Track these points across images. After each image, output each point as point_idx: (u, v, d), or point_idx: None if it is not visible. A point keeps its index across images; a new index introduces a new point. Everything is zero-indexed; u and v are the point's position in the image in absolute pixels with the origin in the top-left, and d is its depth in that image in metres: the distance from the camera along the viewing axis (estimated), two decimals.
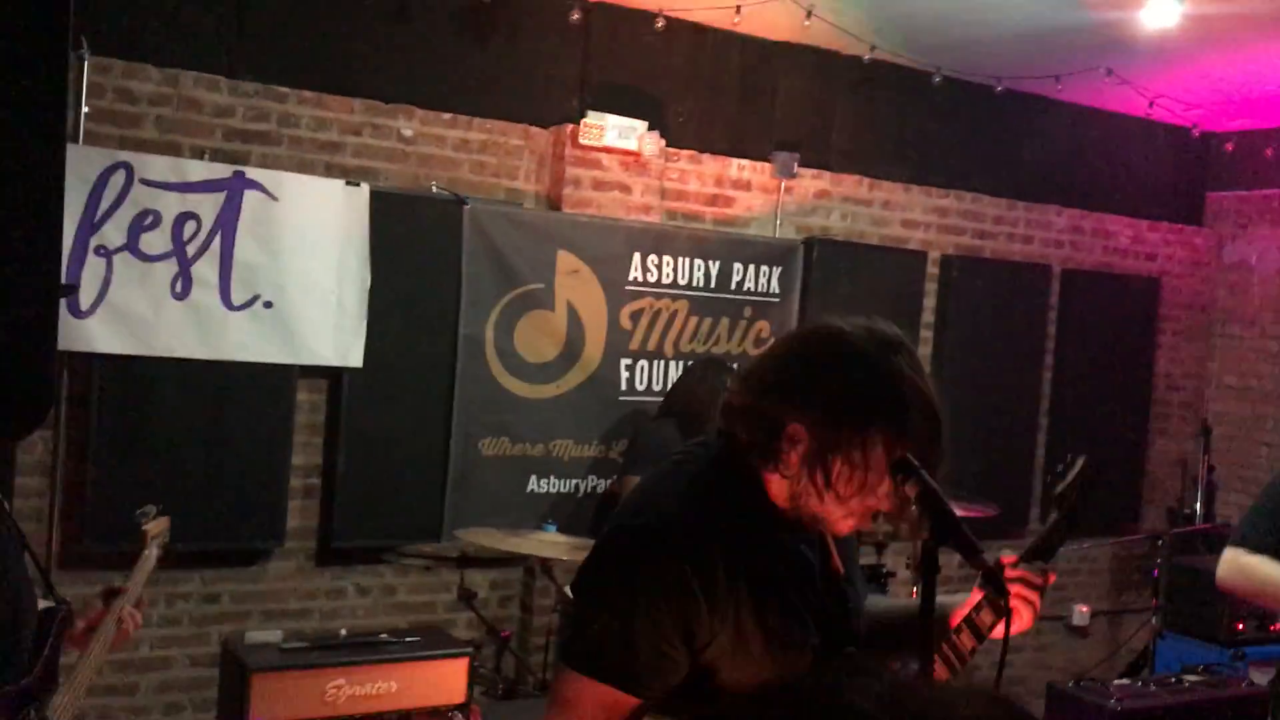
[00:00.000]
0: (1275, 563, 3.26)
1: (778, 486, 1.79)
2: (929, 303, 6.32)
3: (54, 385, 1.03)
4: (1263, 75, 5.70)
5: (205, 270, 4.48)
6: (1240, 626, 4.78)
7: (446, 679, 3.06)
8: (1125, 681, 4.22)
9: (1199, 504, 7.05)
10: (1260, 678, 4.62)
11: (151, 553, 2.69)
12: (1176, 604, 5.20)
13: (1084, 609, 7.05)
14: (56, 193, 1.02)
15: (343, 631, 3.08)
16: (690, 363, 5.30)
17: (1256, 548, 3.30)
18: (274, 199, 4.59)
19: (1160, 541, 5.68)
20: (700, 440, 1.95)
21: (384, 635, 3.06)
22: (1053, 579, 2.01)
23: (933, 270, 6.32)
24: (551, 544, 4.02)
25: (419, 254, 4.91)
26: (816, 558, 1.88)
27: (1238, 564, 3.34)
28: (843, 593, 1.91)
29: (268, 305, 4.62)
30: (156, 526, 2.77)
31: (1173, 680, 4.27)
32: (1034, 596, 1.95)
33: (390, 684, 2.93)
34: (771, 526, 1.81)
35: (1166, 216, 7.19)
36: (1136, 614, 7.19)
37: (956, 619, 1.97)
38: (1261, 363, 7.17)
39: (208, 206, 4.46)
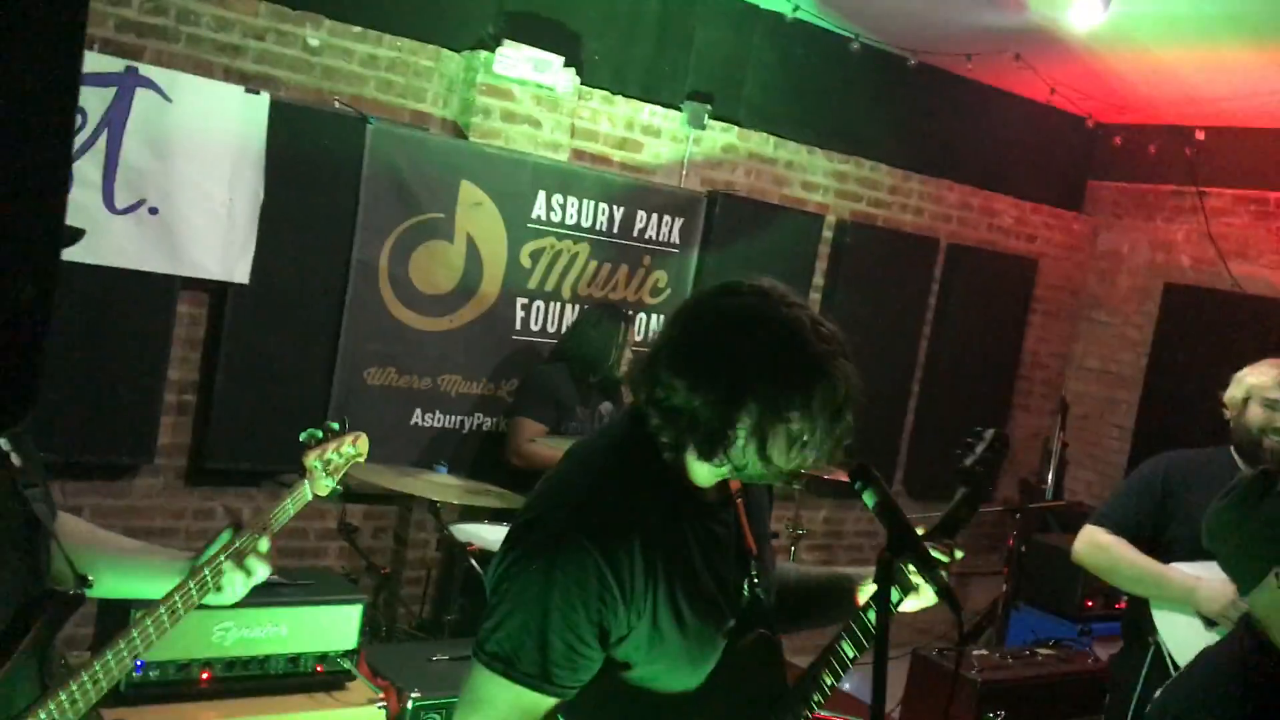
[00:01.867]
0: (1129, 546, 3.44)
1: (700, 468, 1.76)
2: (820, 265, 6.39)
3: (41, 371, 0.93)
4: (1161, 76, 5.88)
5: (88, 169, 4.20)
6: (1089, 603, 5.03)
7: (338, 624, 2.97)
8: (984, 652, 4.39)
9: (1050, 477, 7.38)
10: (1103, 652, 4.89)
11: (307, 487, 2.23)
12: (1029, 577, 5.43)
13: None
14: (64, 158, 0.91)
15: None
16: (586, 307, 5.24)
17: (1115, 528, 3.48)
18: (167, 100, 4.32)
19: (1017, 515, 5.91)
20: (621, 418, 1.88)
21: (275, 577, 2.96)
22: (960, 555, 1.99)
23: (827, 234, 6.38)
24: (442, 486, 3.95)
25: (317, 171, 4.71)
26: (731, 536, 1.86)
27: (1095, 541, 3.52)
28: (756, 572, 1.89)
29: (153, 211, 4.38)
30: (333, 451, 2.29)
31: (1026, 653, 4.47)
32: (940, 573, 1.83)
33: (280, 628, 2.84)
34: (687, 511, 1.78)
35: (1049, 200, 7.41)
36: (983, 577, 7.52)
37: (863, 596, 2.00)
38: (1122, 349, 7.50)
39: (95, 101, 4.17)
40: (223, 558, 2.02)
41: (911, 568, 1.83)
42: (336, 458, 2.27)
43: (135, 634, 1.90)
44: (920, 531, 1.89)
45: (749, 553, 1.89)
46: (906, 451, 7.03)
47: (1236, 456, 3.47)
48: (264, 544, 2.08)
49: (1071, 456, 7.51)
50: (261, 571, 2.06)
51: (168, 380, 4.59)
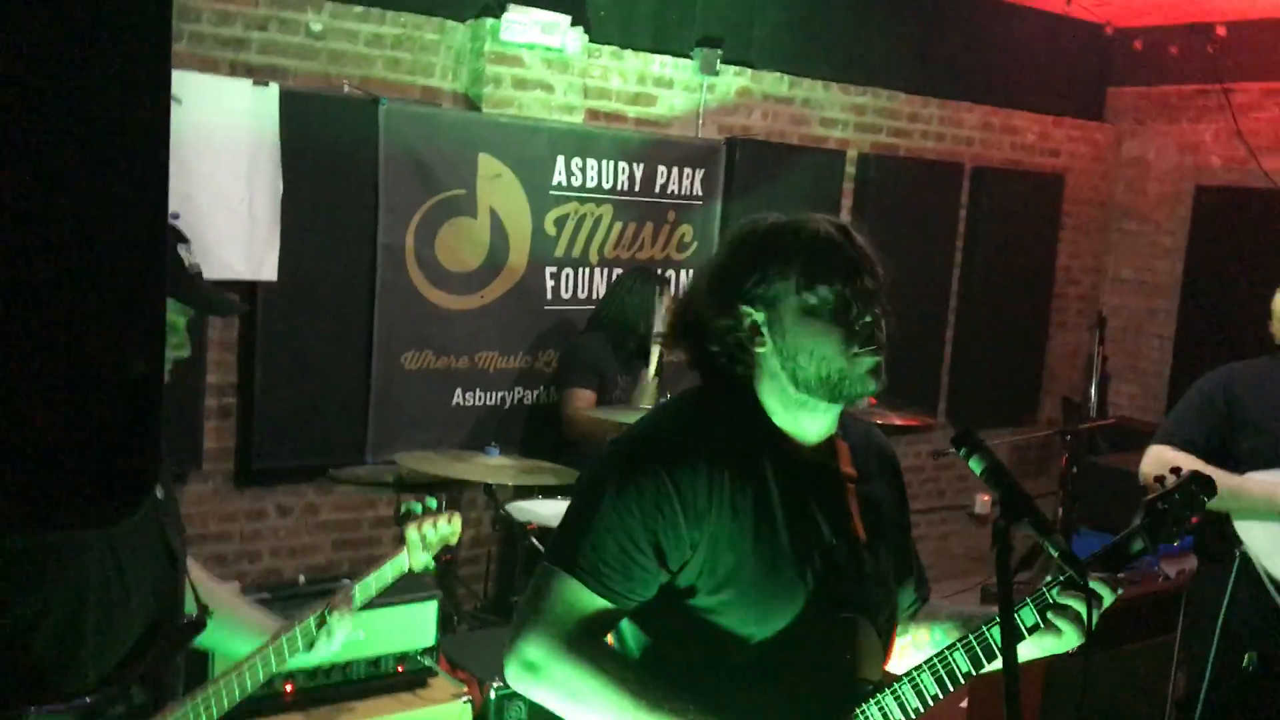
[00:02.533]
0: (1200, 461, 3.32)
1: (773, 397, 1.81)
2: (845, 202, 6.28)
3: (159, 453, 0.87)
4: None
5: None
6: None
7: (414, 622, 2.94)
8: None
9: (1093, 393, 7.30)
10: (1171, 569, 4.84)
11: (405, 558, 2.28)
12: (1085, 499, 5.37)
13: (985, 498, 7.28)
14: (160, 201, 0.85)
15: (301, 579, 2.94)
16: (619, 272, 5.16)
17: (1183, 446, 3.39)
18: (176, 101, 4.23)
19: (1067, 437, 5.85)
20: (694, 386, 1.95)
21: (345, 581, 2.93)
22: (1120, 593, 1.86)
23: (850, 170, 6.27)
24: (497, 468, 3.90)
25: (333, 158, 4.63)
26: (832, 508, 1.83)
27: (1165, 460, 3.34)
28: (859, 556, 1.83)
29: (174, 217, 4.31)
30: (430, 527, 2.30)
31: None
32: (1083, 611, 1.78)
33: (358, 632, 2.81)
34: (773, 453, 1.79)
35: (1070, 112, 7.26)
36: (1035, 499, 7.46)
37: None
38: (1155, 258, 7.38)
39: None
40: (312, 625, 2.15)
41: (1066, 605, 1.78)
42: (432, 534, 2.32)
43: (210, 692, 1.98)
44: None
45: (856, 537, 1.83)
46: (947, 381, 6.96)
47: None
48: (350, 610, 2.22)
49: (1113, 370, 7.44)
50: (342, 635, 2.19)
51: (207, 384, 4.55)
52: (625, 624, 1.81)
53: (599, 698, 1.65)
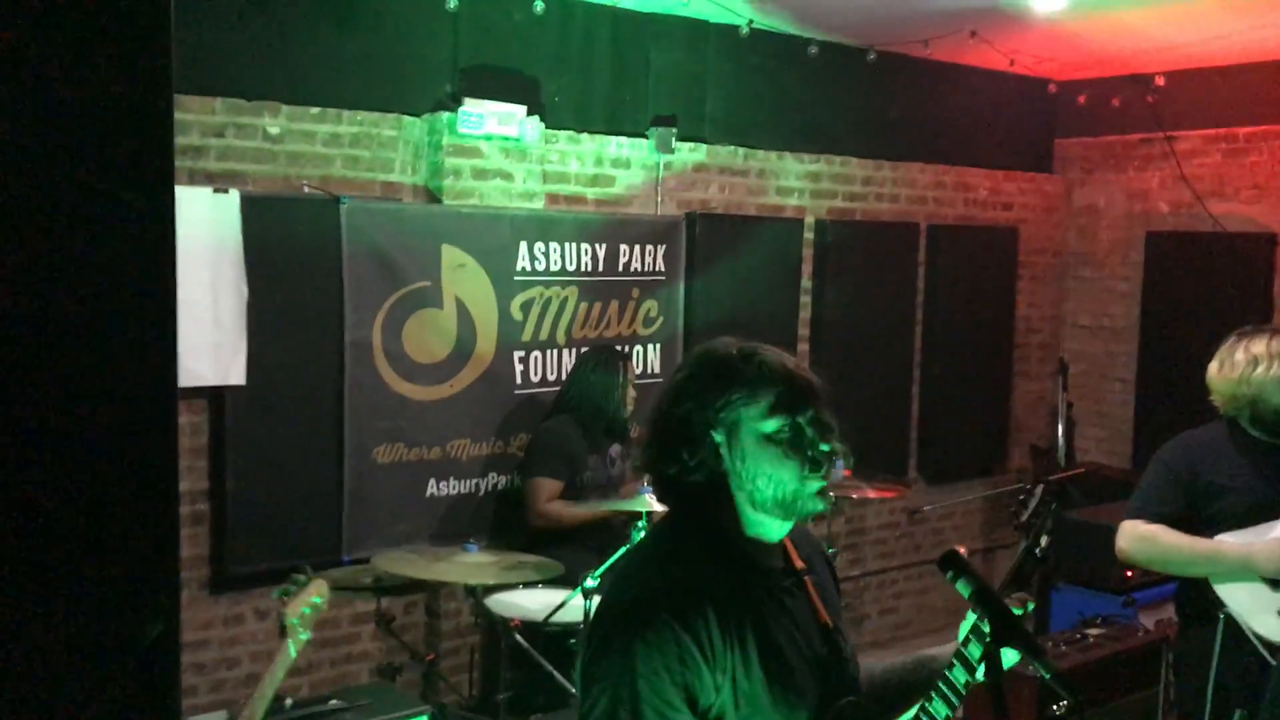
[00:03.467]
0: (1173, 531, 3.41)
1: (734, 518, 1.90)
2: (806, 267, 6.36)
3: (179, 708, 0.88)
4: (1118, 33, 5.87)
5: None
6: (1129, 574, 5.01)
7: None
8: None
9: (1060, 440, 7.38)
10: (1149, 620, 4.88)
11: (291, 647, 2.32)
12: (1062, 555, 5.41)
13: (961, 549, 7.29)
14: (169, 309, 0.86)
15: (288, 702, 2.91)
16: (583, 352, 5.19)
17: (1154, 518, 3.45)
18: None
19: (1039, 488, 5.90)
20: (666, 517, 2.04)
21: (334, 702, 2.90)
22: (1031, 607, 2.02)
23: (808, 235, 6.35)
24: (477, 567, 3.88)
25: (296, 259, 4.64)
26: (803, 609, 1.95)
27: (1138, 534, 3.46)
28: (835, 643, 1.96)
29: None
30: (304, 604, 2.38)
31: (1078, 636, 4.45)
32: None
33: None
34: (753, 580, 1.90)
35: (1021, 166, 7.41)
36: (1007, 548, 7.52)
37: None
38: (1112, 302, 7.50)
39: None
40: None
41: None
42: (308, 610, 2.34)
43: None
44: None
45: (825, 625, 1.96)
46: (916, 438, 7.02)
47: (1251, 427, 3.46)
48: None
49: (1078, 415, 7.54)
50: None
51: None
52: None
53: None
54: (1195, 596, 3.48)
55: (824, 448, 1.86)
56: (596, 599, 3.91)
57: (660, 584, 1.85)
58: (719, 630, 1.79)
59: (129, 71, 0.80)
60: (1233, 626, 3.34)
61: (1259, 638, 3.29)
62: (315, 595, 2.36)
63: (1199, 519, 3.44)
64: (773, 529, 1.92)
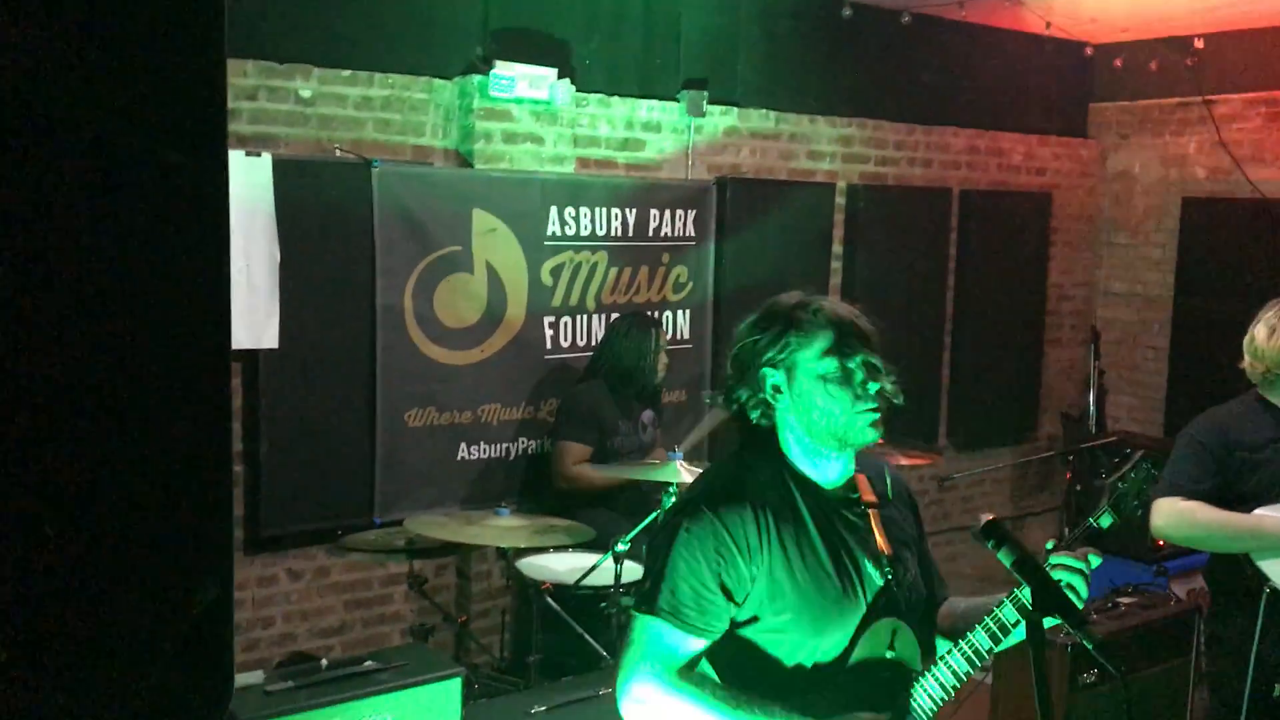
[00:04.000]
0: (1211, 507, 3.34)
1: (795, 446, 2.14)
2: (837, 233, 6.31)
3: (232, 670, 0.88)
4: None
5: None
6: (1160, 543, 4.98)
7: (440, 700, 2.94)
8: None
9: (1091, 407, 7.34)
10: (1181, 590, 4.86)
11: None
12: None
13: (988, 515, 7.29)
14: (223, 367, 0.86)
15: (323, 662, 2.94)
16: (614, 319, 5.18)
17: (1190, 495, 3.37)
18: None
19: (1070, 458, 5.88)
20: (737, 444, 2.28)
21: (369, 663, 2.93)
22: (1097, 563, 2.16)
23: (840, 201, 6.30)
24: (509, 530, 3.91)
25: (328, 223, 4.65)
26: (862, 533, 2.14)
27: (1176, 511, 3.38)
28: (887, 568, 2.13)
29: None
30: None
31: (1109, 606, 4.43)
32: (1076, 581, 2.10)
33: (384, 715, 2.82)
34: (806, 499, 2.12)
35: (1055, 131, 7.31)
36: (1037, 516, 7.50)
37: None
38: (1145, 270, 7.42)
39: None
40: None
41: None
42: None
43: None
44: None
45: (881, 552, 2.13)
46: (946, 405, 6.99)
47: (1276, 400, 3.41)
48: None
49: (1109, 384, 7.48)
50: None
51: None
52: (712, 650, 2.07)
53: (702, 714, 1.95)
54: (1233, 572, 3.41)
55: (873, 387, 2.07)
56: (627, 563, 3.94)
57: (710, 487, 2.13)
58: (755, 530, 2.04)
59: (182, 33, 0.80)
60: (1276, 601, 3.28)
61: None
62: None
63: (1233, 494, 3.37)
64: (830, 457, 2.13)
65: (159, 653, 0.85)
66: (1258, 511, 3.31)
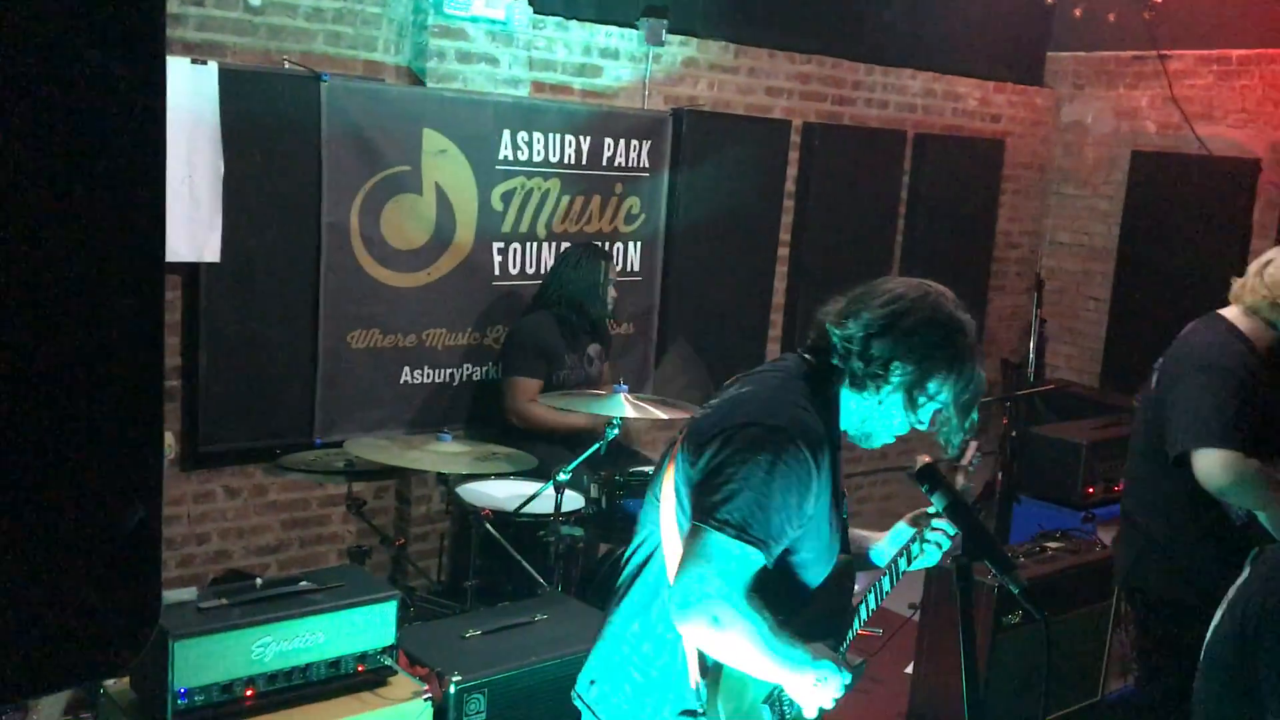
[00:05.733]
0: (1266, 478, 3.11)
1: (850, 407, 2.22)
2: (791, 171, 6.29)
3: (159, 595, 0.87)
4: None
5: None
6: (1090, 490, 5.10)
7: (374, 622, 2.95)
8: None
9: (1031, 355, 7.43)
10: (1106, 537, 4.98)
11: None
12: (1026, 467, 5.49)
13: (925, 458, 7.39)
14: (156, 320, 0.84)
15: (258, 581, 2.92)
16: (564, 249, 5.14)
17: (1242, 445, 3.09)
18: None
19: (1007, 403, 5.96)
20: (788, 357, 2.35)
21: (304, 583, 2.92)
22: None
23: (795, 138, 6.27)
24: (450, 456, 3.90)
25: (275, 136, 4.55)
26: (837, 477, 2.26)
27: (1245, 471, 3.09)
28: (842, 508, 2.30)
29: None
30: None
31: (1037, 549, 4.54)
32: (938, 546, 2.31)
33: (318, 634, 2.82)
34: (831, 440, 2.19)
35: (1011, 78, 7.31)
36: None
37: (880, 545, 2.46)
38: (1092, 221, 7.50)
39: None
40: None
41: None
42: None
43: None
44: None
45: (842, 492, 2.31)
46: None
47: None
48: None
49: (1050, 332, 7.57)
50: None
51: None
52: None
53: (758, 641, 1.99)
54: (1222, 516, 3.24)
55: (954, 439, 2.19)
56: (567, 492, 3.95)
57: (800, 419, 2.12)
58: (821, 468, 2.10)
59: None
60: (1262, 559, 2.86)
61: None
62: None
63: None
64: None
65: (86, 571, 0.84)
66: None
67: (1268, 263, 3.32)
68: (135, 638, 0.85)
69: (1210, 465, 3.12)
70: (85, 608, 0.82)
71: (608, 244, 5.43)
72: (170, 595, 2.76)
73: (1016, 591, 1.68)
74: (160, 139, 0.74)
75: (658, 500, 2.21)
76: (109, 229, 0.75)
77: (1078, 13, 6.79)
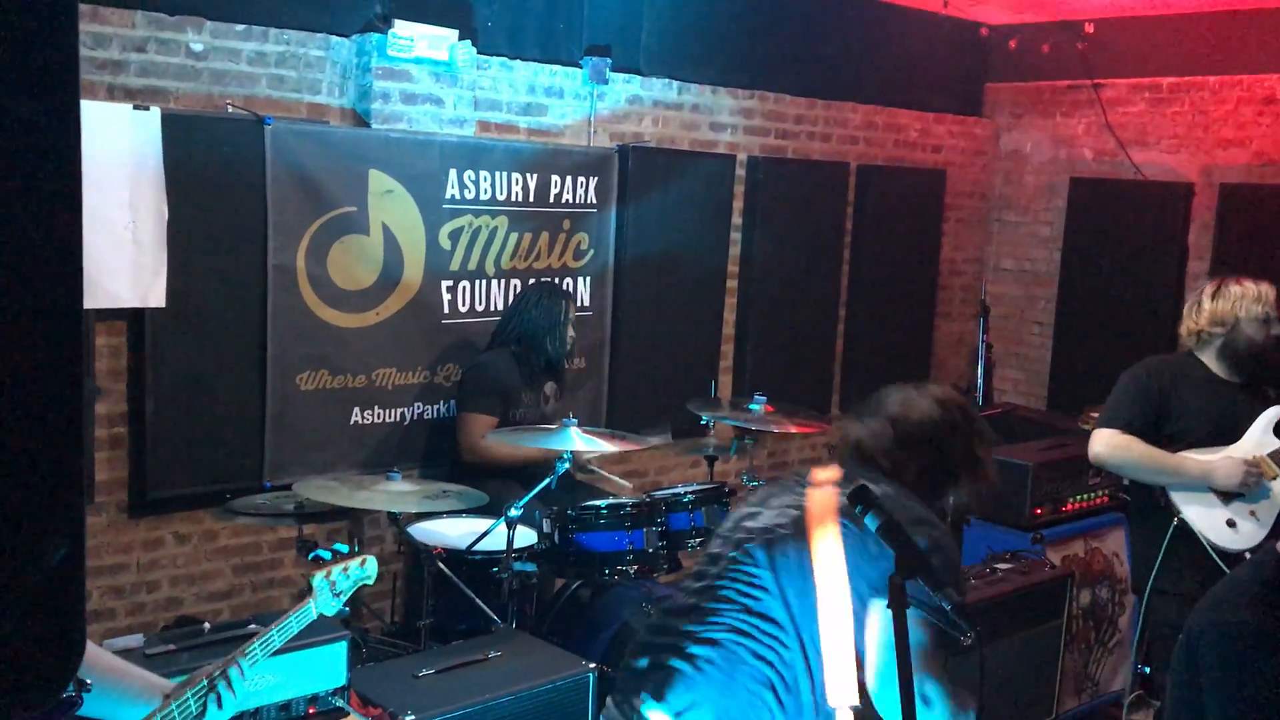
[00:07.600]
0: (1143, 442, 3.87)
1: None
2: (737, 204, 6.37)
3: (83, 636, 0.88)
4: None
5: None
6: (1038, 511, 5.16)
7: (325, 663, 2.94)
8: None
9: (979, 380, 7.54)
10: (1056, 557, 5.04)
11: (312, 606, 2.44)
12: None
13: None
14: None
15: (206, 626, 2.91)
16: (516, 283, 5.17)
17: (1126, 428, 3.89)
18: None
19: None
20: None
21: (252, 625, 2.91)
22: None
23: (740, 173, 6.36)
24: (400, 495, 3.89)
25: (219, 180, 4.55)
26: None
27: (1115, 443, 3.89)
28: None
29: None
30: (339, 573, 2.51)
31: (987, 571, 4.59)
32: None
33: (268, 677, 2.80)
34: None
35: (951, 109, 7.46)
36: None
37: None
38: (1034, 247, 7.64)
39: None
40: (204, 688, 2.17)
41: None
42: (343, 579, 2.37)
43: None
44: None
45: None
46: (840, 375, 7.12)
47: (1213, 361, 3.95)
48: (244, 667, 2.28)
49: (997, 357, 7.70)
50: (238, 695, 2.26)
51: (96, 415, 4.44)
52: None
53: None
54: (1148, 500, 3.98)
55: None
56: (520, 529, 3.96)
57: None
58: None
59: None
60: (1184, 529, 3.84)
61: (1211, 544, 3.79)
62: (359, 567, 2.55)
63: (1160, 433, 3.88)
64: None
65: (9, 607, 0.84)
66: (1183, 454, 3.84)
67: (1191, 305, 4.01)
68: (61, 671, 0.86)
69: (1091, 442, 3.94)
70: (7, 643, 0.83)
71: (558, 279, 5.46)
72: (117, 642, 2.73)
73: (949, 608, 1.72)
74: (75, 180, 0.76)
75: None
76: (22, 270, 0.76)
77: (1012, 43, 6.95)
